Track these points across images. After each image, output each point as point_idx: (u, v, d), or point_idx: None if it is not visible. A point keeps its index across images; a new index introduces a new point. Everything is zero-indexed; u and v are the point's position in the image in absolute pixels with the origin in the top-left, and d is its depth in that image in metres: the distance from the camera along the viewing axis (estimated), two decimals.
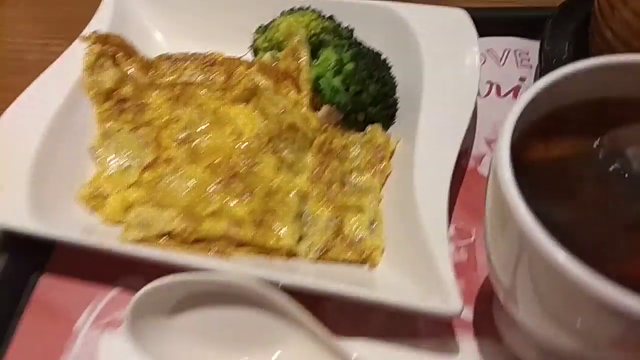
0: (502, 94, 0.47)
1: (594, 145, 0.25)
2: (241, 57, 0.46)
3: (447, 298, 0.30)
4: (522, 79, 0.47)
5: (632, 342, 0.22)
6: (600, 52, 0.41)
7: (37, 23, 0.61)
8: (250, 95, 0.39)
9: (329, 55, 0.40)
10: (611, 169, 0.24)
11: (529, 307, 0.25)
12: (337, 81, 0.39)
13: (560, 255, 0.21)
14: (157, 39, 0.49)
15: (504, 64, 0.48)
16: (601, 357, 0.24)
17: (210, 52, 0.46)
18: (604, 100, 0.26)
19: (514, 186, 0.22)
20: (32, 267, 0.39)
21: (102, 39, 0.44)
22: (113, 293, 0.38)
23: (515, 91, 0.47)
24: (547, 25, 0.46)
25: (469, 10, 0.46)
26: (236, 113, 0.39)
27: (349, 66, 0.39)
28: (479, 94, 0.45)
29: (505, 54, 0.49)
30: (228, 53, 0.46)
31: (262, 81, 0.38)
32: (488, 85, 0.47)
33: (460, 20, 0.44)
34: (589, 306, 0.21)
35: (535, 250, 0.21)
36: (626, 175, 0.24)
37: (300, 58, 0.40)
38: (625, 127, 0.25)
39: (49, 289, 0.38)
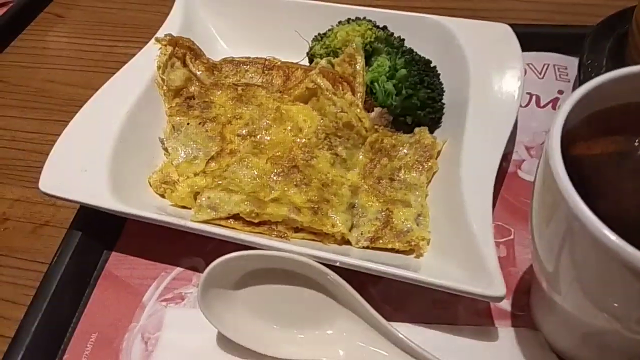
0: (542, 104, 0.49)
1: (635, 144, 0.28)
2: (298, 62, 0.50)
3: (492, 282, 0.32)
4: (560, 92, 0.50)
5: None
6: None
7: (104, 26, 0.66)
8: (311, 95, 0.43)
9: (383, 62, 0.43)
10: None
11: (572, 288, 0.28)
12: (390, 85, 0.43)
13: (610, 235, 0.23)
14: (221, 45, 0.54)
15: (543, 77, 0.51)
16: (635, 332, 0.26)
17: (270, 57, 0.50)
18: (636, 104, 0.29)
19: (564, 172, 0.25)
20: (104, 245, 0.43)
21: (174, 42, 0.49)
22: (176, 272, 0.41)
23: (554, 103, 0.49)
24: (586, 41, 0.49)
25: (513, 26, 0.50)
26: (296, 111, 0.42)
27: (402, 72, 0.42)
28: (520, 104, 0.48)
29: (545, 68, 0.52)
30: (286, 59, 0.50)
31: (323, 83, 0.42)
32: (528, 96, 0.50)
33: (505, 34, 0.47)
34: (632, 281, 0.23)
35: (585, 231, 0.24)
36: None
37: (356, 63, 0.43)
38: None
39: (119, 265, 0.42)
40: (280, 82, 0.48)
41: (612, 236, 0.23)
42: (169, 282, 0.41)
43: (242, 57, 0.50)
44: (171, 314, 0.39)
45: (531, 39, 0.52)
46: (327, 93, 0.41)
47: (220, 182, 0.40)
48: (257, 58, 0.50)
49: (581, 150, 0.29)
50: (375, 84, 0.43)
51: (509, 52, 0.46)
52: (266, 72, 0.49)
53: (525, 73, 0.52)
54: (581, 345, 0.34)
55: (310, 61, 0.49)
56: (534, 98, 0.50)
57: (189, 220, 0.38)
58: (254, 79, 0.49)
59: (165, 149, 0.45)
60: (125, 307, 0.40)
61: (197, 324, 0.36)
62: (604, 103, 0.29)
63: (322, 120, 0.41)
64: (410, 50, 0.44)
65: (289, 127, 0.42)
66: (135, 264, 0.42)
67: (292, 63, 0.49)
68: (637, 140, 0.28)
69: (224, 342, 0.36)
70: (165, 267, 0.41)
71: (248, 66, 0.50)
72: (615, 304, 0.26)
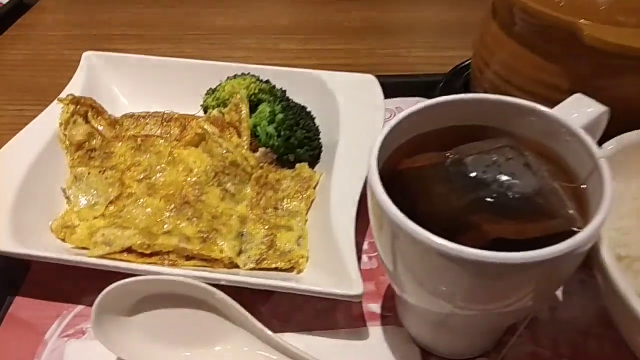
0: None
1: (446, 155, 0.35)
2: (194, 114, 0.55)
3: (352, 285, 0.38)
4: None
5: (476, 283, 0.30)
6: None
7: (12, 91, 0.70)
8: (200, 140, 0.48)
9: (264, 108, 0.50)
10: (454, 171, 0.34)
11: (406, 282, 0.34)
12: (270, 128, 0.49)
13: (419, 230, 0.29)
14: (123, 102, 0.59)
15: None
16: (464, 309, 0.32)
17: (168, 110, 0.55)
18: (452, 127, 0.37)
19: (380, 187, 0.31)
20: (8, 288, 0.45)
21: (75, 100, 0.53)
22: (78, 309, 0.44)
23: None
24: (439, 86, 0.58)
25: (384, 76, 0.58)
26: (187, 154, 0.47)
27: (280, 116, 0.49)
28: None
29: None
30: (183, 112, 0.55)
31: (210, 128, 0.48)
32: None
33: (370, 84, 0.56)
34: (445, 265, 0.29)
35: (399, 229, 0.30)
36: (465, 175, 0.34)
37: (241, 111, 0.50)
38: (466, 144, 0.35)
39: (22, 307, 0.44)
40: (178, 132, 0.53)
41: (421, 231, 0.29)
42: (71, 319, 0.43)
43: (142, 112, 0.55)
44: (71, 346, 0.41)
45: (398, 86, 0.62)
46: (214, 136, 0.47)
47: (116, 221, 0.44)
48: (155, 112, 0.55)
49: (406, 165, 0.36)
50: (258, 127, 0.49)
51: (373, 98, 0.54)
52: (164, 123, 0.54)
53: (394, 115, 0.61)
54: (434, 334, 0.39)
55: (205, 112, 0.55)
56: None
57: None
58: (153, 130, 0.54)
59: (67, 198, 0.48)
60: (27, 345, 0.41)
61: (96, 352, 0.38)
62: (420, 129, 0.37)
63: (210, 161, 0.47)
64: (287, 98, 0.51)
65: (181, 169, 0.47)
66: (38, 305, 0.44)
67: (188, 115, 0.54)
68: (447, 154, 0.35)
69: None
70: (68, 305, 0.44)
71: (147, 119, 0.55)
72: (442, 288, 0.32)
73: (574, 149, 0.34)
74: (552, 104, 0.35)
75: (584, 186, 0.33)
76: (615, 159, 0.39)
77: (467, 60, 0.59)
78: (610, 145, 0.39)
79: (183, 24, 0.76)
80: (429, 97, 0.59)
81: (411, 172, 0.35)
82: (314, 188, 0.48)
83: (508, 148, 0.35)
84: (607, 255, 0.32)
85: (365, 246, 0.47)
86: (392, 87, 0.60)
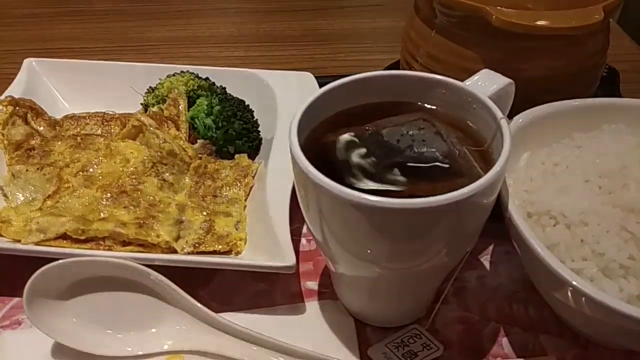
0: None
1: (366, 129, 0.37)
2: (134, 112, 0.56)
3: (285, 257, 0.39)
4: None
5: (391, 235, 0.31)
6: None
7: None
8: (137, 132, 0.49)
9: (201, 102, 0.51)
10: (372, 141, 0.36)
11: (334, 248, 0.35)
12: (209, 120, 0.51)
13: (332, 183, 0.31)
14: (64, 104, 0.59)
15: None
16: (387, 268, 0.34)
17: (109, 111, 0.56)
18: (371, 104, 0.39)
19: (300, 152, 0.33)
20: None
21: (15, 102, 0.53)
22: (14, 302, 0.43)
23: None
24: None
25: (321, 77, 0.60)
26: (125, 146, 0.48)
27: (217, 108, 0.51)
28: None
29: None
30: (123, 112, 0.56)
31: (146, 120, 0.49)
32: None
33: (307, 81, 0.58)
34: (357, 215, 0.30)
35: (319, 187, 0.31)
36: (381, 144, 0.36)
37: (179, 105, 0.51)
38: (383, 119, 0.38)
39: None
40: (118, 130, 0.54)
41: (340, 186, 0.31)
42: (7, 311, 0.43)
43: (82, 113, 0.56)
44: (6, 337, 0.41)
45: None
46: (151, 128, 0.48)
47: (52, 211, 0.44)
48: (96, 112, 0.56)
49: (329, 138, 0.38)
50: (196, 120, 0.51)
51: (310, 94, 0.56)
52: (105, 123, 0.55)
53: None
54: (366, 303, 0.41)
55: (145, 111, 0.56)
56: None
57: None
58: (93, 130, 0.55)
59: (5, 195, 0.48)
60: None
61: (32, 340, 0.39)
62: (344, 104, 0.39)
63: (148, 151, 0.48)
64: (224, 92, 0.53)
65: (118, 160, 0.47)
66: None
67: (129, 114, 0.55)
68: (367, 127, 0.38)
69: (59, 351, 0.38)
70: (3, 299, 0.44)
71: (88, 120, 0.55)
72: (364, 247, 0.34)
73: (481, 116, 0.36)
74: None
75: (490, 149, 0.35)
76: (526, 130, 0.42)
77: (397, 59, 0.63)
78: (520, 118, 0.42)
79: (125, 37, 0.78)
80: None
81: (333, 144, 0.37)
82: (253, 177, 0.50)
83: (421, 120, 0.37)
84: (514, 211, 0.35)
85: (304, 230, 0.49)
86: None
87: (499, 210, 0.37)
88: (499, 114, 0.35)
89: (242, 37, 0.78)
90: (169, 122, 0.51)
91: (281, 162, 0.48)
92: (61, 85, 0.60)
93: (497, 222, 0.36)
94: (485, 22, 0.43)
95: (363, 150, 0.36)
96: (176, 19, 0.82)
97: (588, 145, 0.40)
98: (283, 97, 0.56)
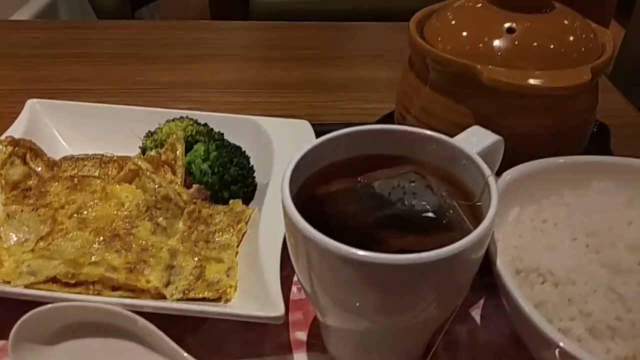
0: None
1: (357, 181, 0.38)
2: (132, 156, 0.57)
3: (275, 308, 0.39)
4: None
5: (380, 288, 0.31)
6: None
7: None
8: (134, 176, 0.50)
9: (199, 147, 0.52)
10: (363, 193, 0.37)
11: (322, 299, 0.35)
12: (205, 165, 0.51)
13: (321, 237, 0.31)
14: (64, 146, 0.60)
15: None
16: (376, 322, 0.34)
17: (107, 153, 0.57)
18: (364, 156, 0.40)
19: (291, 204, 0.33)
20: None
21: (14, 142, 0.54)
22: (2, 343, 0.43)
23: None
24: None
25: (319, 124, 0.62)
26: (120, 189, 0.49)
27: (214, 154, 0.52)
28: None
29: None
30: (122, 154, 0.57)
31: (143, 164, 0.49)
32: None
33: (304, 128, 0.59)
34: (346, 270, 0.31)
35: (309, 240, 0.32)
36: (373, 196, 0.36)
37: (176, 150, 0.52)
38: (375, 171, 0.38)
39: None
40: (116, 172, 0.55)
41: (329, 240, 0.31)
42: None
43: (81, 154, 0.57)
44: None
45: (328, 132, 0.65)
46: (147, 172, 0.49)
47: (44, 253, 0.44)
48: (95, 154, 0.57)
49: (321, 190, 0.38)
50: (192, 165, 0.51)
51: (306, 142, 0.57)
52: (103, 165, 0.56)
53: None
54: (355, 355, 0.41)
55: (143, 154, 0.56)
56: None
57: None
58: (91, 171, 0.55)
59: None
60: None
61: None
62: (337, 156, 0.40)
63: (143, 195, 0.48)
64: (222, 138, 0.54)
65: (113, 204, 0.48)
66: None
67: (127, 157, 0.56)
68: (359, 179, 0.38)
69: None
70: None
71: (86, 161, 0.56)
72: (353, 300, 0.34)
73: (470, 171, 0.37)
74: None
75: (479, 203, 0.36)
76: (515, 185, 0.43)
77: (393, 110, 0.64)
78: (509, 174, 0.43)
79: (128, 80, 0.79)
80: None
81: (325, 196, 0.38)
82: (246, 222, 0.50)
83: (412, 173, 0.38)
84: (502, 268, 0.35)
85: (295, 278, 0.48)
86: (326, 133, 0.63)
87: (490, 263, 0.37)
88: (487, 171, 0.35)
89: (243, 83, 0.80)
90: (166, 166, 0.51)
91: (275, 208, 0.48)
92: (62, 126, 0.61)
93: (489, 275, 0.37)
94: (476, 79, 0.44)
95: (355, 203, 0.37)
96: (179, 64, 0.84)
97: (576, 203, 0.41)
98: (279, 143, 0.57)
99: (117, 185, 0.49)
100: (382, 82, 0.79)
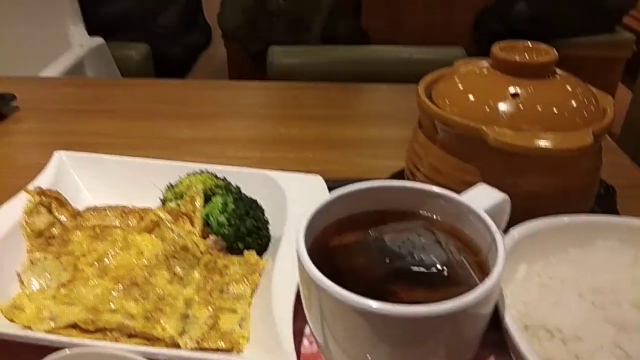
0: None
1: (369, 234, 0.40)
2: (153, 207, 0.59)
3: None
4: None
5: (391, 340, 0.32)
6: None
7: None
8: (154, 226, 0.52)
9: (217, 199, 0.55)
10: (375, 247, 0.38)
11: (334, 351, 0.36)
12: (222, 217, 0.53)
13: (334, 287, 0.33)
14: (87, 196, 0.63)
15: None
16: None
17: (129, 204, 0.59)
18: (375, 211, 0.42)
19: (306, 255, 0.35)
20: None
21: (41, 192, 0.57)
22: None
23: None
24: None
25: (331, 180, 0.64)
26: (141, 239, 0.51)
27: (231, 206, 0.54)
28: None
29: None
30: (142, 206, 0.60)
31: (163, 215, 0.52)
32: None
33: (317, 183, 0.62)
34: (358, 320, 0.32)
35: (321, 290, 0.33)
36: (384, 250, 0.38)
37: (195, 202, 0.54)
38: (384, 225, 0.40)
39: None
40: (136, 223, 0.57)
41: (342, 290, 0.33)
42: None
43: (103, 204, 0.59)
44: None
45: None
46: (167, 223, 0.51)
47: (65, 300, 0.46)
48: (116, 205, 0.59)
49: (334, 242, 0.40)
50: (210, 216, 0.54)
51: (319, 196, 0.59)
52: (124, 215, 0.58)
53: None
54: None
55: (163, 205, 0.59)
56: None
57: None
58: (113, 222, 0.58)
59: (22, 282, 0.50)
60: None
61: None
62: (350, 210, 0.42)
63: (162, 245, 0.50)
64: (239, 192, 0.56)
65: (133, 252, 0.50)
66: None
67: (147, 208, 0.59)
68: (370, 233, 0.40)
69: None
70: None
71: (108, 212, 0.58)
72: (365, 352, 0.35)
73: (477, 228, 0.39)
74: None
75: (487, 259, 0.37)
76: (522, 242, 0.44)
77: (402, 168, 0.67)
78: (516, 231, 0.44)
79: (150, 134, 0.83)
80: None
81: (338, 249, 0.39)
82: (260, 274, 0.51)
83: (422, 228, 0.40)
84: (510, 323, 0.36)
85: (307, 330, 0.49)
86: (339, 188, 0.66)
87: (499, 319, 0.38)
88: (493, 228, 0.37)
89: (260, 139, 0.83)
90: (185, 217, 0.53)
91: (288, 261, 0.50)
92: (86, 177, 0.64)
93: (498, 332, 0.37)
94: (482, 140, 0.47)
95: (365, 255, 0.38)
96: (199, 120, 0.88)
97: (582, 260, 0.42)
98: (293, 197, 0.59)
99: (138, 235, 0.51)
100: (391, 141, 0.82)
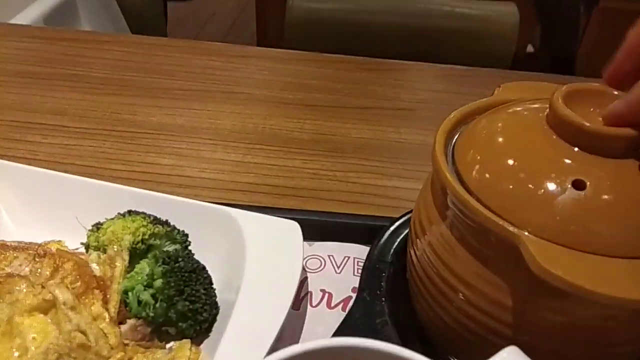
0: (332, 305, 0.47)
1: None
2: (76, 249, 0.46)
3: None
4: (354, 290, 0.48)
5: None
6: None
7: None
8: (51, 306, 0.39)
9: (142, 267, 0.41)
10: None
11: None
12: (146, 295, 0.40)
13: None
14: (4, 219, 0.50)
15: (341, 271, 0.50)
16: None
17: (45, 242, 0.46)
18: None
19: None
20: None
21: None
22: None
23: (345, 303, 0.47)
24: (384, 235, 0.48)
25: (321, 213, 0.50)
26: (29, 325, 0.38)
27: (158, 282, 0.40)
28: (311, 302, 0.47)
29: (345, 260, 0.50)
30: (68, 238, 0.46)
31: (62, 294, 0.38)
32: (321, 294, 0.48)
33: (291, 231, 0.46)
34: None
35: None
36: None
37: (114, 267, 0.40)
38: None
39: None
40: (49, 272, 0.44)
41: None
42: None
43: (14, 242, 0.46)
44: None
45: (337, 227, 0.52)
46: (64, 307, 0.37)
47: None
48: (31, 243, 0.46)
49: None
50: (130, 293, 0.40)
51: (292, 250, 0.45)
52: (37, 259, 0.45)
53: (325, 266, 0.51)
54: None
55: (86, 251, 0.45)
56: (326, 296, 0.48)
57: None
58: (22, 266, 0.45)
59: None
60: None
61: None
62: None
63: (56, 337, 0.37)
64: (176, 258, 0.41)
65: (17, 344, 0.37)
66: None
67: (67, 252, 0.45)
68: None
69: None
70: None
71: (19, 252, 0.45)
72: None
73: None
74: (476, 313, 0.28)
75: None
76: None
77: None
78: None
79: (113, 116, 0.68)
80: (369, 244, 0.51)
81: None
82: None
83: None
84: None
85: None
86: (330, 227, 0.52)
87: None
88: None
89: (243, 134, 0.67)
90: (96, 290, 0.40)
91: (236, 347, 0.37)
92: (6, 196, 0.51)
93: None
94: (516, 251, 0.30)
95: None
96: (176, 100, 0.72)
97: None
98: (257, 251, 0.45)
99: (28, 317, 0.38)
100: (409, 148, 0.65)
